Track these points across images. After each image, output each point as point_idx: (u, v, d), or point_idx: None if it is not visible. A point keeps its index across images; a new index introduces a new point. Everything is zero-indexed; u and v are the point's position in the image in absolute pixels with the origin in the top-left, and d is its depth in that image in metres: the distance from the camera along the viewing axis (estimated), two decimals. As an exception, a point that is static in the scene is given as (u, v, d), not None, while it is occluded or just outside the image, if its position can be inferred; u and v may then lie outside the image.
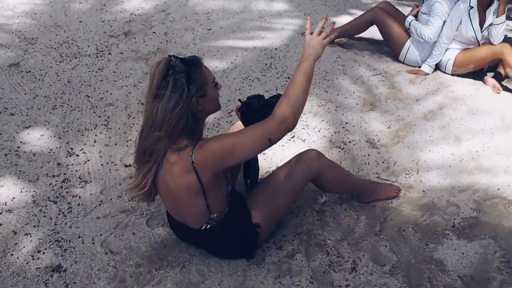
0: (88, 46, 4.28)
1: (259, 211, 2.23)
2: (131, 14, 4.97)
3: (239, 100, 2.32)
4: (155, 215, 2.56)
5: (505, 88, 3.94)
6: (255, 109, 2.23)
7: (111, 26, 4.68)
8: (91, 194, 2.69)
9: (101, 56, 4.13)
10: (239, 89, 3.74)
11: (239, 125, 2.51)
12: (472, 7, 3.87)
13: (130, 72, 3.91)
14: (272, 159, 3.02)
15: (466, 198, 2.76)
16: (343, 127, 3.36)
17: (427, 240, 2.46)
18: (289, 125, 1.90)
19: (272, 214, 2.30)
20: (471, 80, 4.07)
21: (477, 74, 4.09)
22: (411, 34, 4.16)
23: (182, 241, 2.38)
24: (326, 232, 2.49)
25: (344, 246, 2.41)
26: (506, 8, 3.85)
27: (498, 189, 2.83)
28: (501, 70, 3.94)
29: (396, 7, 4.55)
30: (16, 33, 4.40)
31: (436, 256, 2.37)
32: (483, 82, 4.02)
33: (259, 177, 2.51)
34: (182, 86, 1.86)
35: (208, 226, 2.13)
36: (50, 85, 3.66)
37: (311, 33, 2.02)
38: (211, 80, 1.98)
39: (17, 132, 3.12)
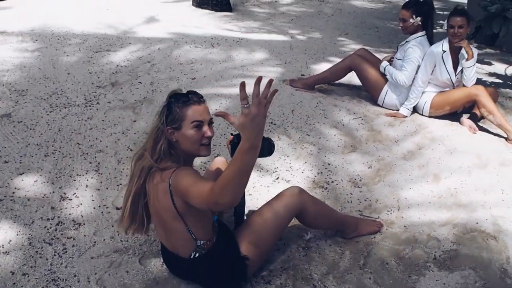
0: (77, 97, 4.39)
1: (246, 244, 2.35)
2: (117, 66, 5.13)
3: (231, 134, 2.48)
4: (147, 254, 2.64)
5: (481, 128, 4.17)
6: None
7: (99, 77, 4.82)
8: (84, 235, 2.76)
9: (89, 106, 4.24)
10: (224, 134, 3.88)
11: (217, 162, 2.78)
12: (444, 51, 4.11)
13: (119, 120, 4.01)
14: (258, 199, 3.12)
15: (446, 232, 2.89)
16: (326, 168, 3.50)
17: (409, 272, 2.58)
18: (225, 203, 1.82)
19: (260, 248, 2.40)
20: (448, 121, 4.28)
21: (453, 116, 4.31)
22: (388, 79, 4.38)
23: (174, 275, 2.46)
24: (312, 267, 2.58)
25: (330, 280, 2.51)
26: (475, 52, 4.07)
27: (477, 223, 2.98)
28: (476, 111, 4.15)
29: (373, 53, 4.79)
30: (6, 85, 4.49)
31: (418, 287, 2.48)
32: (460, 123, 4.24)
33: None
34: (163, 113, 2.20)
35: (197, 254, 2.25)
36: (41, 133, 3.75)
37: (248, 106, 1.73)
38: (190, 120, 2.16)
39: (11, 179, 3.18)
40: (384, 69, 4.36)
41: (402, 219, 3.01)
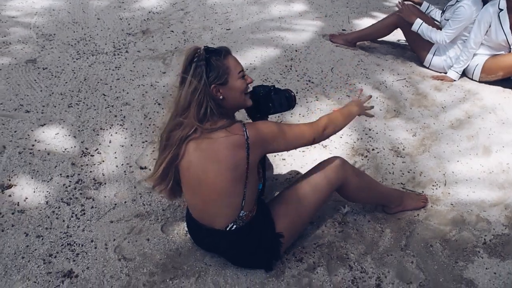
0: (106, 44, 4.22)
1: (282, 220, 2.15)
2: (149, 12, 4.91)
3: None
4: (170, 220, 2.47)
5: (537, 98, 3.80)
6: (261, 97, 2.23)
7: (129, 24, 4.62)
8: (105, 196, 2.61)
9: (118, 54, 4.06)
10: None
11: None
12: (501, 10, 3.73)
13: (147, 71, 3.82)
14: (292, 165, 2.91)
15: (498, 213, 2.63)
16: (366, 134, 3.24)
17: (456, 258, 2.34)
18: (327, 134, 2.21)
19: (295, 224, 2.21)
20: (500, 88, 3.93)
21: (506, 82, 3.94)
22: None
23: (199, 247, 2.29)
24: (349, 245, 2.37)
25: (368, 261, 2.29)
26: None
27: (532, 204, 2.70)
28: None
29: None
30: (33, 29, 4.36)
31: (466, 275, 2.25)
32: (513, 91, 3.88)
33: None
34: (201, 72, 1.92)
35: (234, 227, 2.06)
36: (66, 82, 3.60)
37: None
38: (236, 70, 2.00)
39: (32, 130, 3.06)
40: (418, 28, 4.00)
41: (449, 196, 2.74)
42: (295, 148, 2.19)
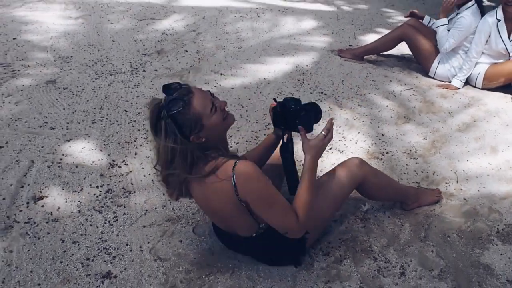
0: (123, 64, 4.37)
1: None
2: (163, 34, 5.09)
3: (274, 99, 2.26)
4: (201, 223, 2.59)
5: (537, 102, 3.99)
6: (289, 112, 2.15)
7: (144, 45, 4.79)
8: (135, 203, 2.72)
9: (136, 73, 4.21)
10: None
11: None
12: (499, 20, 3.94)
13: None
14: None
15: (508, 205, 2.77)
16: (380, 139, 3.40)
17: (472, 246, 2.48)
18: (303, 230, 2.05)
19: (319, 221, 2.31)
20: (501, 94, 4.12)
21: (507, 88, 4.13)
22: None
23: (229, 248, 2.40)
24: (372, 239, 2.51)
25: (391, 252, 2.42)
26: None
27: (539, 197, 2.85)
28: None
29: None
30: (50, 52, 4.52)
31: (483, 260, 2.39)
32: (514, 96, 4.06)
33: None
34: (174, 131, 1.84)
35: (256, 234, 2.15)
36: (87, 100, 3.73)
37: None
38: (206, 110, 1.87)
39: (59, 145, 3.17)
40: (439, 26, 4.19)
41: (461, 192, 2.89)
42: (272, 223, 2.02)
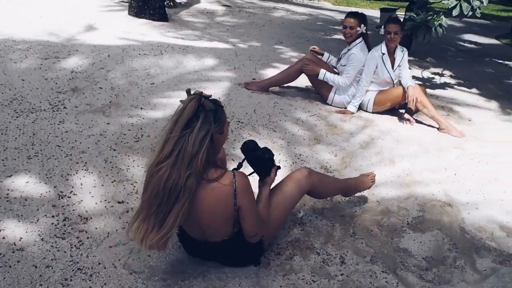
0: (40, 102, 4.31)
1: None
2: (72, 72, 5.08)
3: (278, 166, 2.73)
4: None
5: (417, 121, 4.85)
6: (265, 159, 2.62)
7: (56, 83, 4.75)
8: (95, 228, 2.85)
9: (57, 110, 4.18)
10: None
11: None
12: (383, 53, 4.73)
13: (92, 123, 4.03)
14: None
15: (411, 203, 3.45)
16: (298, 158, 3.93)
17: (391, 236, 3.08)
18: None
19: (272, 229, 2.72)
20: (389, 116, 4.93)
21: (392, 111, 4.96)
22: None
23: (194, 256, 2.68)
24: (312, 238, 2.98)
25: (330, 247, 2.92)
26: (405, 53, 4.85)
27: (433, 194, 3.57)
28: (411, 106, 4.78)
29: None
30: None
31: (401, 246, 2.99)
32: (399, 117, 4.85)
33: None
34: (210, 122, 2.15)
35: (227, 237, 2.47)
36: (15, 138, 3.67)
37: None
38: (227, 120, 2.29)
39: (1, 181, 3.14)
40: (324, 76, 4.85)
41: (374, 196, 3.50)
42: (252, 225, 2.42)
